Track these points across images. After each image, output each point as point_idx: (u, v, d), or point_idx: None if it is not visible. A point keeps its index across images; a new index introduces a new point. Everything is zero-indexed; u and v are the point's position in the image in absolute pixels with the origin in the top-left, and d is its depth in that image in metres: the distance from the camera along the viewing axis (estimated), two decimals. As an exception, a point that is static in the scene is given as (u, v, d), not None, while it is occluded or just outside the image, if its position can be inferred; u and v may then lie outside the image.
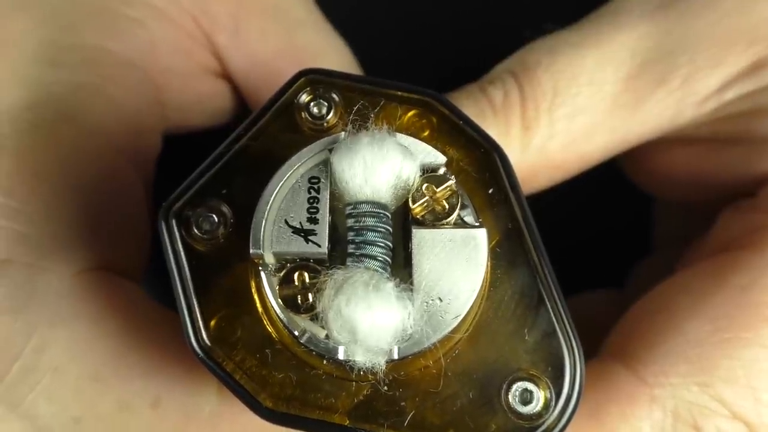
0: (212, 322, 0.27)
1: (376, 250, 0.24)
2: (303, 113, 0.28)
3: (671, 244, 0.42)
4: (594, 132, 0.35)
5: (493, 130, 0.35)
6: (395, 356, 0.24)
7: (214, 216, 0.27)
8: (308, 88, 0.28)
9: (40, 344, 0.30)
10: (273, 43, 0.38)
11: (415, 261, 0.25)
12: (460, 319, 0.24)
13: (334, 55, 0.40)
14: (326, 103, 0.28)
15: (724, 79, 0.34)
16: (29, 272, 0.31)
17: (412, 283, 0.24)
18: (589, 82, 0.34)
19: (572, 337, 0.27)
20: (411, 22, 0.46)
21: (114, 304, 0.32)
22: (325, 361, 0.26)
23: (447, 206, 0.25)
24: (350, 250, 0.24)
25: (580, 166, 0.36)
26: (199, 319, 0.27)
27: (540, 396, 0.26)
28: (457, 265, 0.25)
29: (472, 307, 0.25)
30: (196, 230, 0.27)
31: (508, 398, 0.26)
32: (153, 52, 0.36)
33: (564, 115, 0.34)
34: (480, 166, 0.28)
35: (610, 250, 0.44)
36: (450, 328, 0.24)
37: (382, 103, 0.28)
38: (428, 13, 0.46)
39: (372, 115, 0.27)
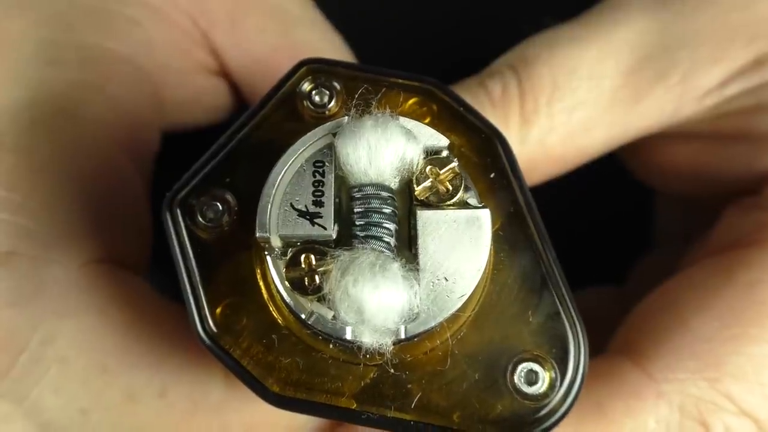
0: (218, 310, 0.27)
1: (381, 231, 0.24)
2: (305, 102, 0.28)
3: (672, 240, 0.43)
4: (593, 126, 0.35)
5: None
6: (402, 336, 0.24)
7: (218, 204, 0.27)
8: (309, 77, 0.28)
9: (47, 336, 0.31)
10: (270, 40, 0.39)
11: (420, 242, 0.25)
12: (465, 298, 0.25)
13: (332, 51, 0.40)
14: (328, 92, 0.28)
15: (724, 74, 0.34)
16: (34, 265, 0.31)
17: (417, 264, 0.25)
18: (589, 77, 0.34)
19: (575, 319, 0.27)
20: (409, 18, 0.46)
21: (119, 295, 0.32)
22: (331, 345, 0.26)
23: (450, 188, 0.25)
24: (356, 232, 0.24)
25: (578, 160, 0.36)
26: (205, 307, 0.27)
27: (545, 376, 0.26)
28: (462, 245, 0.25)
29: (477, 287, 0.25)
30: (200, 219, 0.27)
31: (513, 379, 0.26)
32: (150, 50, 0.37)
33: (563, 109, 0.34)
34: (481, 152, 0.28)
35: (609, 244, 0.44)
36: (456, 308, 0.25)
37: (383, 90, 0.28)
38: (426, 8, 0.46)
39: (374, 102, 0.27)
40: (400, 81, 0.28)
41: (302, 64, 0.28)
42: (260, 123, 0.28)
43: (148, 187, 0.37)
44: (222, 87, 0.39)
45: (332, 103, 0.28)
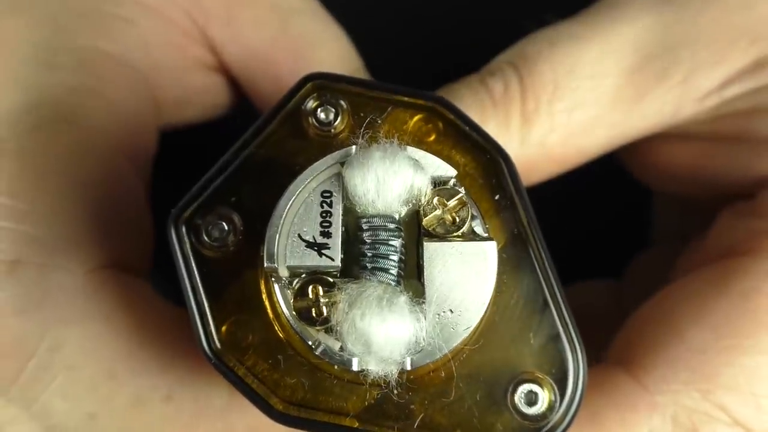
0: (223, 328, 0.27)
1: (388, 263, 0.24)
2: (310, 119, 0.28)
3: (669, 238, 0.43)
4: (594, 126, 0.35)
5: (492, 122, 0.35)
6: (408, 367, 0.25)
7: (223, 223, 0.27)
8: (315, 94, 0.28)
9: (54, 343, 0.31)
10: (268, 33, 0.38)
11: (426, 274, 0.25)
12: (470, 330, 0.25)
13: (332, 43, 0.39)
14: (333, 109, 0.28)
15: (725, 76, 0.34)
16: (41, 272, 0.31)
17: (424, 296, 0.25)
18: (591, 76, 0.34)
19: (576, 340, 0.27)
20: (411, 14, 0.46)
21: (125, 301, 0.32)
22: (336, 366, 0.26)
23: (457, 218, 0.25)
24: (363, 264, 0.25)
25: (579, 160, 0.36)
26: (211, 324, 0.27)
27: (545, 397, 0.27)
28: (468, 277, 0.25)
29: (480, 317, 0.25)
30: (206, 238, 0.27)
31: (514, 399, 0.27)
32: (146, 50, 0.36)
33: (564, 109, 0.34)
34: (486, 171, 0.28)
35: (608, 243, 0.45)
36: (461, 339, 0.25)
37: (389, 109, 0.28)
38: (428, 5, 0.46)
39: (380, 121, 0.27)
40: (406, 99, 0.28)
41: (307, 79, 0.28)
42: (265, 141, 0.28)
43: (147, 189, 0.36)
44: (221, 83, 0.39)
45: (338, 120, 0.28)
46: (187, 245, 0.27)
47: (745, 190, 0.36)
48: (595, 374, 0.33)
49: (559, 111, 0.35)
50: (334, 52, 0.39)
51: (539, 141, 0.35)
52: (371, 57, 0.39)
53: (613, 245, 0.44)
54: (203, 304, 0.27)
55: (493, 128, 0.35)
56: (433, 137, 0.28)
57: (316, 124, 0.28)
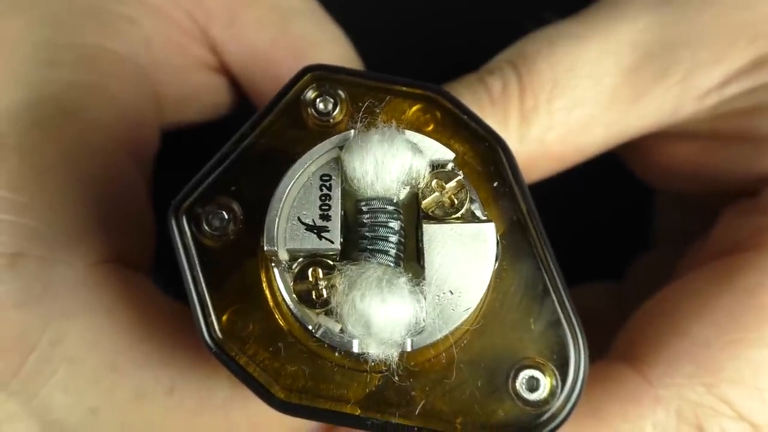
0: (224, 317, 0.27)
1: (388, 245, 0.24)
2: (309, 109, 0.28)
3: (671, 239, 0.43)
4: (592, 125, 0.35)
5: (490, 120, 0.35)
6: (408, 348, 0.25)
7: (224, 213, 0.27)
8: (314, 85, 0.28)
9: (56, 336, 0.31)
10: (269, 34, 0.38)
11: (426, 255, 0.25)
12: (470, 311, 0.25)
13: (332, 44, 0.40)
14: (332, 100, 0.28)
15: (725, 74, 0.34)
16: (42, 265, 0.31)
17: (424, 277, 0.25)
18: (589, 74, 0.34)
19: (576, 326, 0.27)
20: (410, 15, 0.46)
21: (127, 295, 0.32)
22: (336, 353, 0.26)
23: (456, 201, 0.26)
24: (363, 246, 0.25)
25: (577, 158, 0.36)
26: (212, 314, 0.27)
27: (546, 383, 0.27)
28: (467, 259, 0.25)
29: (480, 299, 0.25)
30: (206, 227, 0.27)
31: (515, 385, 0.27)
32: (148, 48, 0.36)
33: (562, 107, 0.35)
34: (484, 160, 0.28)
35: (609, 242, 0.45)
36: (461, 320, 0.25)
37: (387, 99, 0.28)
38: (427, 6, 0.46)
39: (378, 110, 0.28)
40: (404, 89, 0.28)
41: (306, 70, 0.28)
42: (264, 131, 0.28)
43: (149, 185, 0.37)
44: (221, 83, 0.39)
45: (336, 110, 0.28)
46: (188, 235, 0.27)
47: (747, 188, 0.36)
48: (598, 369, 0.33)
49: (558, 109, 0.35)
50: (333, 52, 0.39)
51: (538, 138, 0.35)
52: (370, 57, 0.39)
53: (614, 245, 0.44)
54: (204, 293, 0.27)
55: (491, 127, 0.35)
56: (431, 127, 0.29)
57: (315, 115, 0.28)
